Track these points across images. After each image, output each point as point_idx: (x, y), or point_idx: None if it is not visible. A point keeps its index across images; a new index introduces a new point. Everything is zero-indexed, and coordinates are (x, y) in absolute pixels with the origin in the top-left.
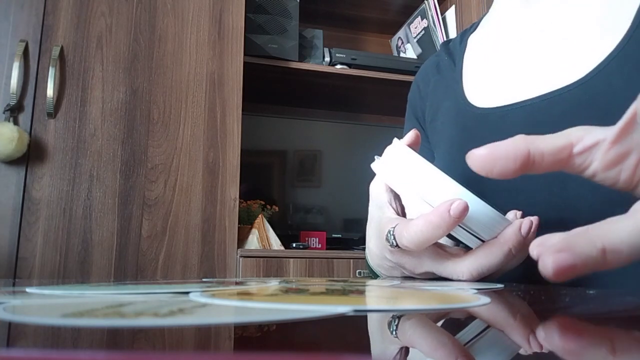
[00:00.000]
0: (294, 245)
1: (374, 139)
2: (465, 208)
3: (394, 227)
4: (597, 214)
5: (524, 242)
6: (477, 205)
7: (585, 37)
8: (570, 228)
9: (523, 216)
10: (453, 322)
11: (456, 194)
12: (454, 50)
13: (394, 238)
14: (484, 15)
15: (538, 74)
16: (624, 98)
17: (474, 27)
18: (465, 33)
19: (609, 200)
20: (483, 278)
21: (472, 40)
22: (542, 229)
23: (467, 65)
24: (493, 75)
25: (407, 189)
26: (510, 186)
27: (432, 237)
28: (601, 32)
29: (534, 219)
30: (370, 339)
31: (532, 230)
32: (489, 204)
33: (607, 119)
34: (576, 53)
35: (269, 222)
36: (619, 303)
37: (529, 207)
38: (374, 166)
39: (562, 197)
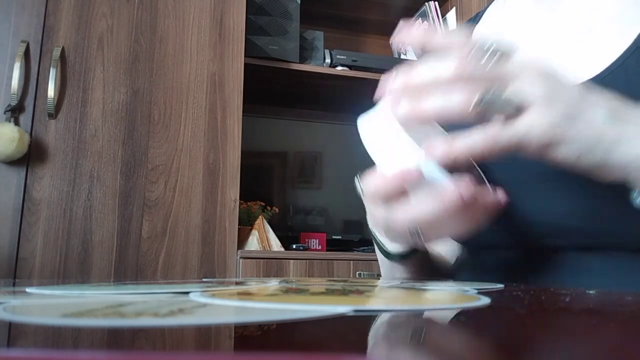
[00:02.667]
0: (294, 246)
1: None
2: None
3: (362, 174)
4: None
5: (467, 207)
6: (434, 177)
7: (600, 33)
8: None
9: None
10: (453, 322)
11: (416, 162)
12: None
13: (360, 184)
14: (488, 6)
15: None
16: None
17: (478, 17)
18: (468, 24)
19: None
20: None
21: (477, 33)
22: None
23: None
24: None
25: (375, 149)
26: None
27: (380, 198)
28: (617, 29)
29: (491, 191)
30: (370, 339)
31: (477, 197)
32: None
33: None
34: (591, 49)
35: (269, 223)
36: (619, 302)
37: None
38: (359, 120)
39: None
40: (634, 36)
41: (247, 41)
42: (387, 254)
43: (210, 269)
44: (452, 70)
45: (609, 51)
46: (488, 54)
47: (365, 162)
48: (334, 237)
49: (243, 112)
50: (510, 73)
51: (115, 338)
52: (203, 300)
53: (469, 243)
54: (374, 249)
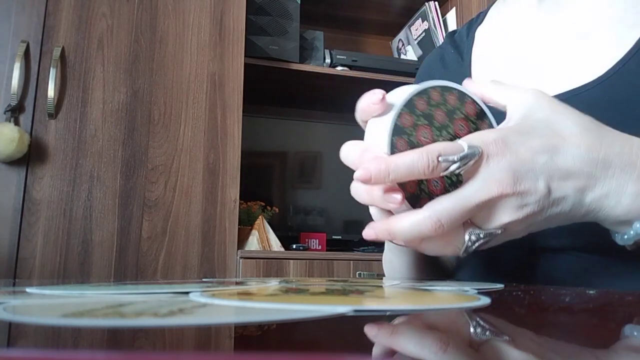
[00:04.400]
0: (294, 246)
1: None
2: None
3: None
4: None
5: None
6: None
7: (603, 35)
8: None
9: None
10: (453, 322)
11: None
12: (461, 43)
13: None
14: (491, 6)
15: (554, 71)
16: None
17: (480, 18)
18: (471, 25)
19: None
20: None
21: (480, 33)
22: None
23: (476, 61)
24: (505, 73)
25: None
26: None
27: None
28: (620, 30)
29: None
30: (370, 339)
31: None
32: None
33: (627, 119)
34: (594, 51)
35: (269, 223)
36: (619, 302)
37: None
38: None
39: None
40: (635, 39)
41: (247, 41)
42: None
43: (210, 269)
44: (430, 226)
45: (610, 54)
46: (455, 165)
47: None
48: (334, 237)
49: (243, 112)
50: (483, 201)
51: (115, 338)
52: (203, 300)
53: None
54: (374, 249)
